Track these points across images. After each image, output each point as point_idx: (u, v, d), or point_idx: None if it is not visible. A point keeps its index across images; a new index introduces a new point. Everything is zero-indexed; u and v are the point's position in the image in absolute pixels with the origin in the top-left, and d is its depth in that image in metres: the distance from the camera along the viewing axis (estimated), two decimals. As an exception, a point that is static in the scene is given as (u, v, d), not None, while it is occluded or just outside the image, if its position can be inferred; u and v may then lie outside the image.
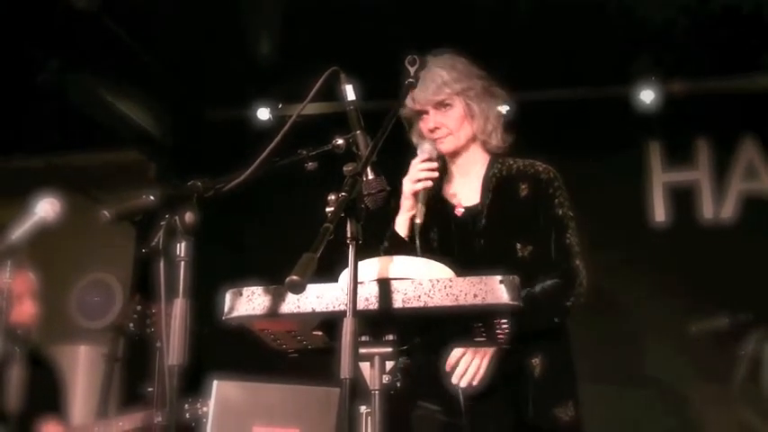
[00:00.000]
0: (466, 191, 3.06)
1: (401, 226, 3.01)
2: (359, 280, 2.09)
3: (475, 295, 2.12)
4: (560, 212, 2.98)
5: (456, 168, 3.12)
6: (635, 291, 5.65)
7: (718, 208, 5.89)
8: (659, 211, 5.96)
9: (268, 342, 2.44)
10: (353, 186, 2.09)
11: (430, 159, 2.98)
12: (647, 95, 5.92)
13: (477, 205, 3.01)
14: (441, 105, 3.04)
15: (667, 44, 5.51)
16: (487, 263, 2.77)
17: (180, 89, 6.23)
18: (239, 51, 5.79)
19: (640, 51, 5.71)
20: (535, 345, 2.91)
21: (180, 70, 5.98)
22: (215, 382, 2.86)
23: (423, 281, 2.14)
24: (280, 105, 6.24)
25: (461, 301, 2.12)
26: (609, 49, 5.55)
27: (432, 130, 3.04)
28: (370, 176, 2.31)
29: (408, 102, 3.05)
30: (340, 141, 2.48)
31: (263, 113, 6.24)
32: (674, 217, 5.95)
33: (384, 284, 2.13)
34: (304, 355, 2.50)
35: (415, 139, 3.12)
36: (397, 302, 2.12)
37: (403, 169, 3.04)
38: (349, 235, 2.03)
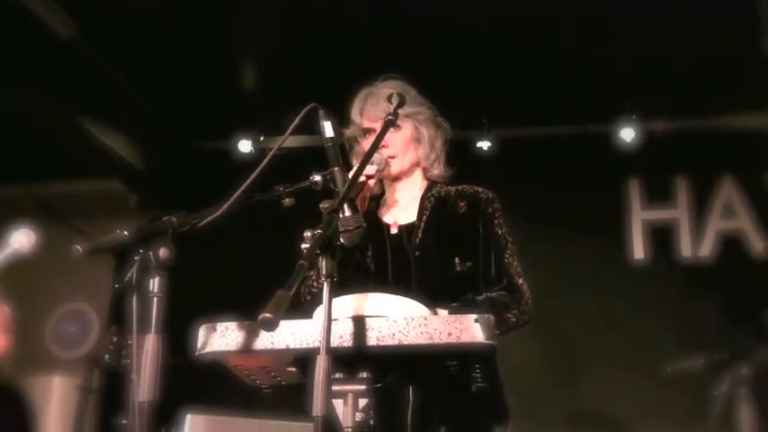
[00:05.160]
0: (403, 212, 3.01)
1: None
2: (334, 317, 2.09)
3: (449, 333, 2.12)
4: (500, 232, 2.93)
5: (394, 193, 3.06)
6: (612, 328, 5.66)
7: (696, 246, 5.93)
8: (638, 249, 6.00)
9: (242, 377, 2.42)
10: (330, 223, 2.09)
11: (378, 166, 2.88)
12: (627, 134, 5.97)
13: (413, 222, 2.96)
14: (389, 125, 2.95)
15: (649, 83, 5.56)
16: (423, 277, 2.82)
17: (163, 120, 6.24)
18: (223, 83, 5.82)
19: (622, 90, 5.77)
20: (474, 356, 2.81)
21: (163, 101, 6.00)
22: (188, 416, 2.84)
23: (397, 318, 2.14)
24: (261, 138, 6.25)
25: (436, 340, 2.12)
26: (591, 88, 5.60)
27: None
28: (347, 213, 2.30)
29: (356, 118, 3.01)
30: (317, 178, 2.48)
31: (245, 145, 6.25)
32: (652, 254, 5.99)
33: (359, 322, 2.13)
34: (278, 391, 2.49)
35: (354, 161, 3.01)
36: (372, 340, 2.12)
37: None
38: (324, 272, 2.02)
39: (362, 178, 2.81)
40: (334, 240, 2.10)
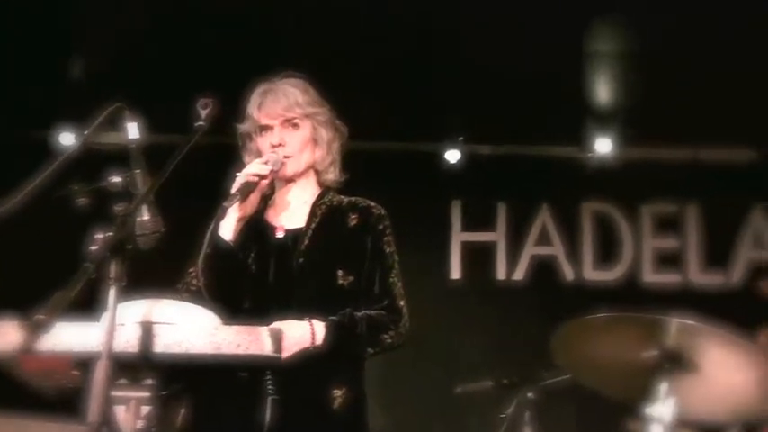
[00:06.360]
0: (291, 216, 2.96)
1: (227, 230, 2.81)
2: (122, 321, 2.06)
3: (238, 345, 2.14)
4: (387, 250, 2.94)
5: (285, 195, 2.99)
6: (419, 345, 5.72)
7: (511, 269, 6.13)
8: (455, 269, 6.14)
9: (25, 379, 2.35)
10: (122, 226, 2.07)
11: (272, 166, 2.85)
12: (453, 155, 6.11)
13: (301, 228, 2.91)
14: (288, 123, 2.90)
15: (477, 107, 5.71)
16: (304, 285, 2.81)
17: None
18: (50, 71, 5.61)
19: (451, 111, 5.90)
20: (339, 373, 2.81)
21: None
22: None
23: (186, 327, 2.13)
24: (86, 132, 6.04)
25: (224, 350, 2.13)
26: (423, 106, 5.69)
27: (275, 146, 2.88)
28: (146, 216, 2.26)
29: (253, 113, 2.93)
30: (116, 179, 2.42)
31: (67, 138, 6.01)
32: (469, 275, 6.14)
33: (146, 328, 2.11)
34: (62, 395, 2.42)
35: (247, 159, 2.96)
36: (158, 347, 2.11)
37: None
38: (112, 276, 1.99)
39: (255, 178, 2.78)
40: (126, 244, 2.07)
